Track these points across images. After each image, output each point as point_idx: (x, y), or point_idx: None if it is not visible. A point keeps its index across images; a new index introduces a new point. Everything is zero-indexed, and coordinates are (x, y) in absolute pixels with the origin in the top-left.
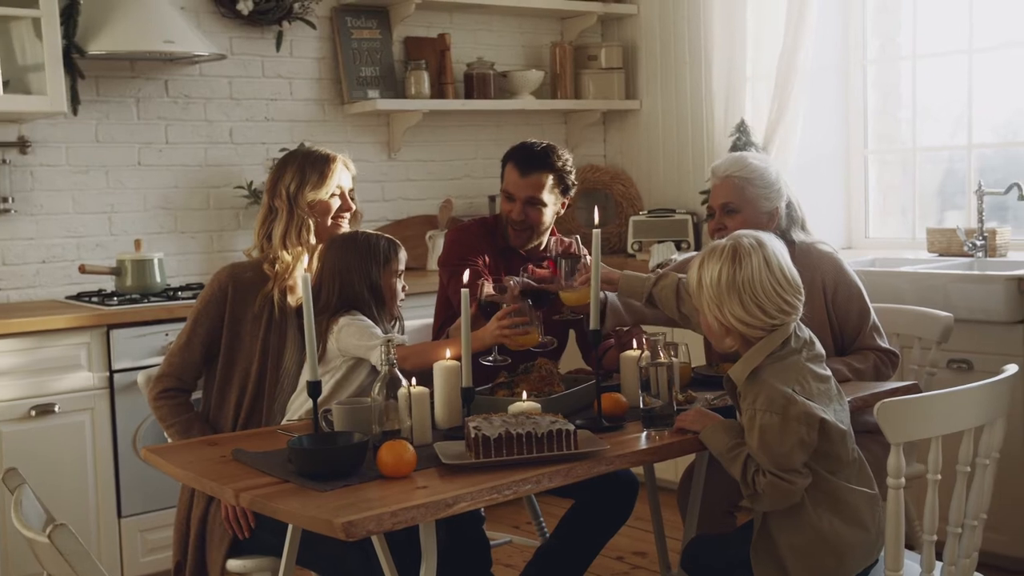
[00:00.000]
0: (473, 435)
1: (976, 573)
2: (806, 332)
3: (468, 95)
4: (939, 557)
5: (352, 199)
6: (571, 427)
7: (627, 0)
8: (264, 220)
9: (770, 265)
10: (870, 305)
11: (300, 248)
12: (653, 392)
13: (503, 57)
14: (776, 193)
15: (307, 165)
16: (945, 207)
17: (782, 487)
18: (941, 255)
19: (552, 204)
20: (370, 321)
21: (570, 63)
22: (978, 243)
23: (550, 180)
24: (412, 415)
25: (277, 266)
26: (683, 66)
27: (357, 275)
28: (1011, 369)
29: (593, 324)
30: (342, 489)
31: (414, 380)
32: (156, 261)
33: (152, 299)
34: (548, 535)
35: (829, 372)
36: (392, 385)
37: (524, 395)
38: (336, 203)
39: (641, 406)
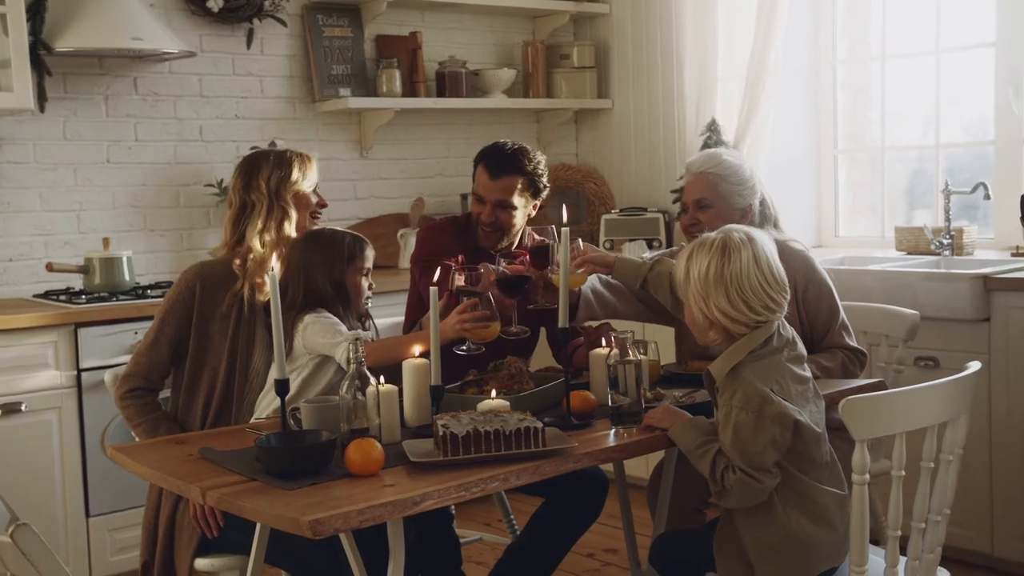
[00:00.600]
0: (441, 433)
1: (940, 568)
2: (789, 331)
3: (440, 93)
4: (903, 552)
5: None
6: (539, 425)
7: (599, 0)
8: (237, 217)
9: (759, 261)
10: (839, 304)
11: (275, 242)
12: (621, 390)
13: (475, 56)
14: (749, 190)
15: (285, 160)
16: (914, 206)
17: (751, 485)
18: (909, 254)
19: (522, 207)
20: (336, 319)
21: (542, 62)
22: (945, 242)
23: (520, 183)
24: (380, 413)
25: (249, 263)
26: (655, 66)
27: (321, 272)
28: (974, 366)
29: (562, 323)
30: (309, 487)
31: (383, 378)
32: (125, 259)
33: (121, 297)
34: (518, 533)
35: (808, 373)
36: (360, 383)
37: (493, 393)
38: (315, 199)
39: (609, 404)
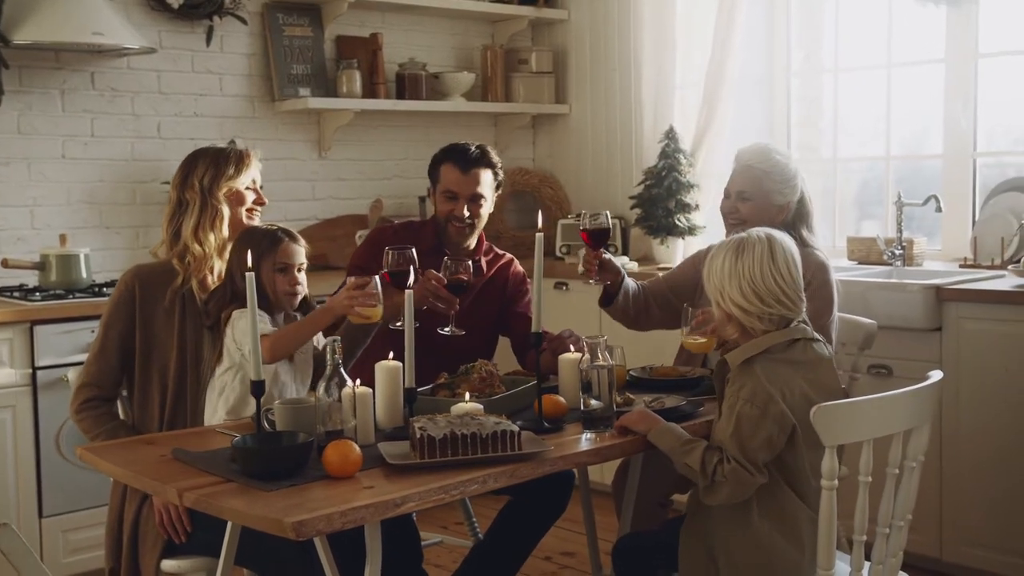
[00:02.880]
0: (419, 435)
1: (900, 572)
2: (825, 353)
3: (400, 95)
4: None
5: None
6: (515, 428)
7: (557, 5)
8: (173, 215)
9: (774, 257)
10: (833, 315)
11: (213, 239)
12: (594, 394)
13: (435, 58)
14: (791, 188)
15: (221, 158)
16: (862, 217)
17: (744, 477)
18: (860, 263)
19: (490, 200)
20: (266, 314)
21: (501, 66)
22: (897, 252)
23: (489, 176)
24: (356, 415)
25: (188, 258)
26: (612, 72)
27: (239, 269)
28: (936, 375)
29: (535, 327)
30: (287, 489)
31: (358, 380)
32: (82, 256)
33: (78, 295)
34: (480, 535)
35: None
36: (337, 384)
37: (467, 396)
38: (251, 196)
39: (582, 408)
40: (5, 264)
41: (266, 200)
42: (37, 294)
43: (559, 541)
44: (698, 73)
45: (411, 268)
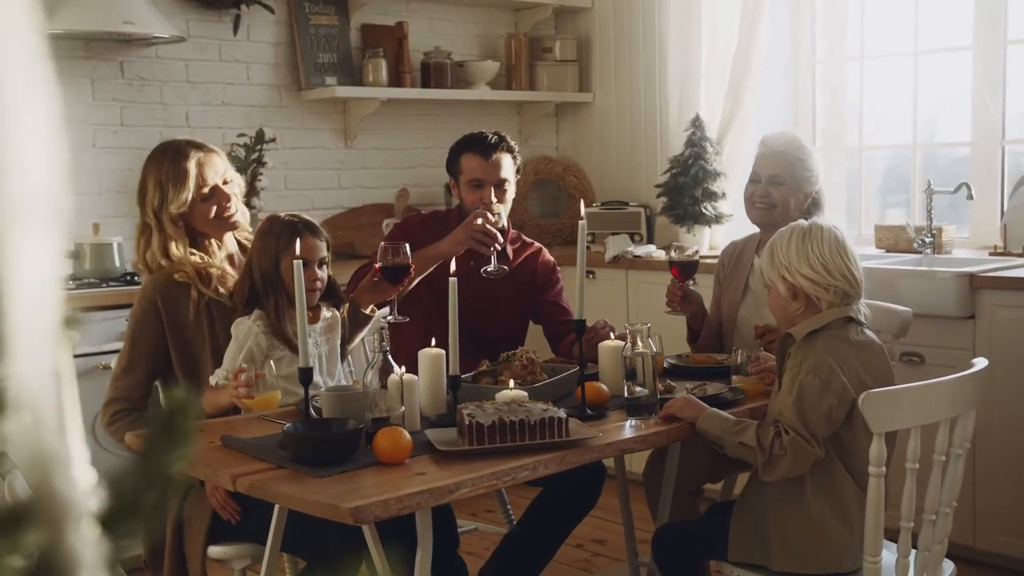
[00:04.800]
0: (467, 422)
1: (945, 559)
2: (876, 339)
3: (425, 84)
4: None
5: (229, 184)
6: (563, 415)
7: None
8: (139, 236)
9: (838, 239)
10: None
11: (187, 255)
12: (639, 381)
13: (459, 47)
14: (815, 178)
15: (163, 176)
16: (886, 205)
17: (804, 448)
18: (888, 251)
19: (513, 184)
20: (247, 337)
21: (525, 55)
22: (927, 240)
23: (509, 161)
24: (404, 402)
25: (188, 271)
26: (637, 60)
27: (254, 265)
28: (981, 363)
29: (578, 314)
30: (339, 475)
31: (404, 367)
32: (115, 245)
33: (111, 283)
34: (515, 522)
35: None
36: (384, 372)
37: (511, 383)
38: (212, 206)
39: (626, 395)
40: None
41: (231, 194)
42: (71, 283)
43: (591, 529)
44: (724, 61)
45: (408, 264)
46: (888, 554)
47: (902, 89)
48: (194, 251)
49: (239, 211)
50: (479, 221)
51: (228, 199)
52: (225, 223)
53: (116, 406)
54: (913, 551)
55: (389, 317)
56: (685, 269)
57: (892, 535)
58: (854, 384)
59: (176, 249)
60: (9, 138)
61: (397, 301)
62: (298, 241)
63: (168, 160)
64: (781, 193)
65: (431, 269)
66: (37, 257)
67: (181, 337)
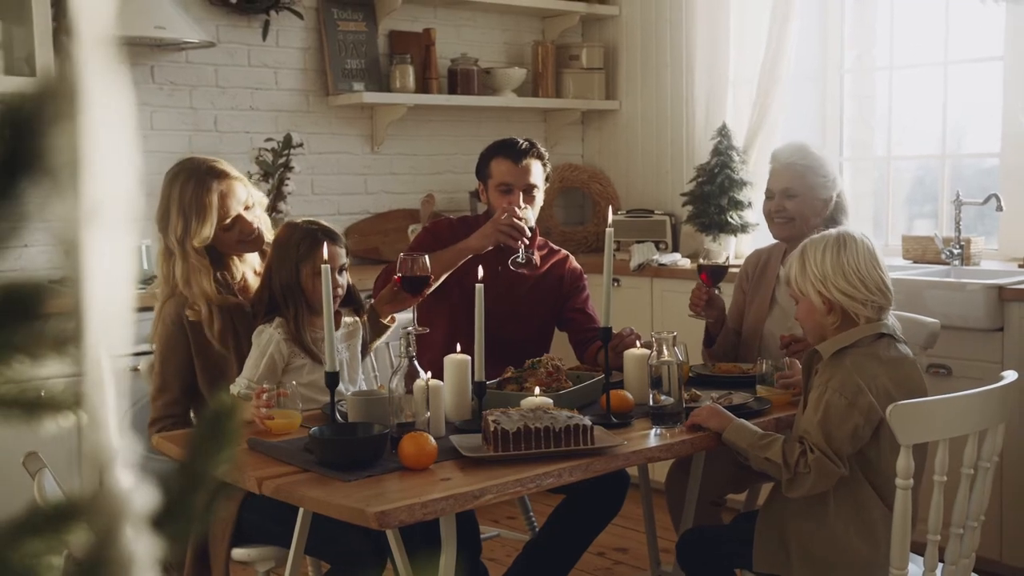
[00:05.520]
0: (492, 428)
1: (972, 573)
2: (909, 353)
3: (452, 91)
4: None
5: (251, 209)
6: (588, 422)
7: (609, 1)
8: (162, 262)
9: (870, 250)
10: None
11: (207, 285)
12: (664, 390)
13: (486, 54)
14: (832, 183)
15: (186, 206)
16: (914, 216)
17: (828, 467)
18: (915, 262)
19: (542, 191)
20: (269, 346)
21: (551, 62)
22: (955, 251)
23: (539, 167)
24: (429, 407)
25: (200, 313)
26: (664, 69)
27: (274, 275)
28: (1011, 376)
29: (604, 322)
30: (364, 479)
31: (430, 373)
32: (143, 248)
33: (140, 286)
34: (537, 529)
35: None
36: (409, 377)
37: (536, 390)
38: (235, 233)
39: (651, 403)
40: None
41: (252, 224)
42: None
43: (612, 537)
44: (751, 70)
45: (427, 276)
46: (915, 567)
47: (931, 99)
48: (217, 278)
49: (263, 229)
50: (506, 216)
51: (250, 226)
52: (249, 245)
53: (160, 424)
54: (940, 565)
55: (410, 328)
56: (714, 274)
57: (919, 548)
58: (882, 402)
59: (196, 283)
60: (89, 142)
61: (417, 311)
62: (325, 246)
63: (191, 192)
64: (796, 205)
65: (458, 265)
66: (112, 257)
67: (207, 354)
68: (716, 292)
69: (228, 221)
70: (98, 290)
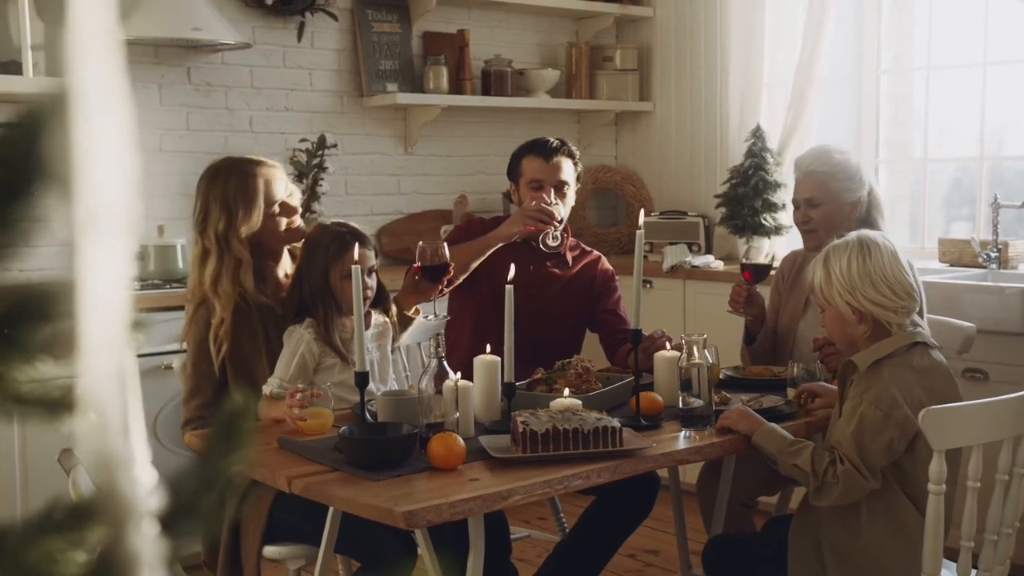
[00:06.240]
0: (521, 429)
1: None
2: (943, 360)
3: (485, 92)
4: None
5: (292, 196)
6: (617, 424)
7: (643, 3)
8: (197, 263)
9: (894, 252)
10: (923, 315)
11: (231, 291)
12: (694, 392)
13: (519, 55)
14: (858, 183)
15: (230, 198)
16: (950, 219)
17: (857, 480)
18: (952, 265)
19: (573, 189)
20: (300, 347)
21: (585, 63)
22: (992, 255)
23: (570, 166)
24: (459, 408)
25: (213, 320)
26: (698, 70)
27: (304, 276)
28: None
29: (634, 324)
30: (393, 479)
31: (459, 373)
32: (179, 247)
33: (174, 285)
34: (567, 530)
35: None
36: (439, 378)
37: (566, 391)
38: (282, 220)
39: (681, 406)
40: None
41: (297, 207)
42: (136, 284)
43: (643, 539)
44: (786, 71)
45: (446, 263)
46: (948, 573)
47: (969, 100)
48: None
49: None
50: (534, 203)
51: (295, 212)
52: (294, 235)
53: (193, 425)
54: (973, 571)
55: (431, 316)
56: (757, 273)
57: (952, 555)
58: (916, 412)
59: (225, 283)
60: (87, 149)
61: (437, 300)
62: (356, 247)
63: (234, 179)
64: (820, 214)
65: (486, 255)
66: (109, 264)
67: (239, 356)
68: (756, 290)
69: (276, 208)
70: (95, 295)
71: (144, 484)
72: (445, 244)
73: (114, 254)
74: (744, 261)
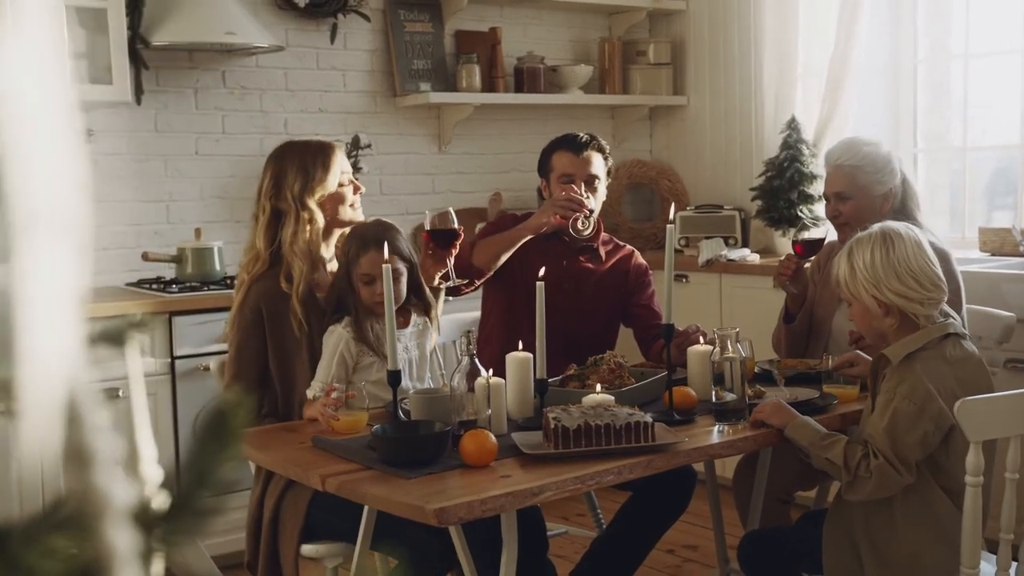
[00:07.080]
0: (553, 426)
1: None
2: (975, 351)
3: (518, 89)
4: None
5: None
6: (649, 419)
7: None
8: (268, 227)
9: (919, 244)
10: (963, 308)
11: (308, 248)
12: (727, 386)
13: (552, 51)
14: (889, 174)
15: (308, 162)
16: (992, 207)
17: (891, 475)
18: (993, 254)
19: (604, 183)
20: (338, 346)
21: (618, 58)
22: None
23: (600, 160)
24: (491, 405)
25: (295, 276)
26: (732, 62)
27: (337, 274)
28: None
29: (666, 319)
30: (426, 476)
31: (491, 371)
32: (216, 249)
33: (211, 287)
34: (604, 526)
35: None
36: (471, 375)
37: (598, 387)
38: (348, 192)
39: (714, 400)
40: (145, 257)
41: (362, 187)
42: (174, 286)
43: (682, 534)
44: (821, 62)
45: (454, 229)
46: (988, 566)
47: (1010, 88)
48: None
49: (358, 206)
50: (564, 193)
51: (359, 190)
52: (357, 213)
53: None
54: (1014, 564)
55: (449, 283)
56: (808, 247)
57: (992, 547)
58: (950, 405)
59: (301, 240)
60: (27, 151)
61: (453, 267)
62: (363, 257)
63: (311, 147)
64: (850, 208)
65: (517, 246)
66: (51, 265)
67: (281, 346)
68: (805, 267)
69: (346, 180)
70: (36, 296)
71: (118, 484)
72: (451, 208)
73: (58, 255)
74: (797, 238)
